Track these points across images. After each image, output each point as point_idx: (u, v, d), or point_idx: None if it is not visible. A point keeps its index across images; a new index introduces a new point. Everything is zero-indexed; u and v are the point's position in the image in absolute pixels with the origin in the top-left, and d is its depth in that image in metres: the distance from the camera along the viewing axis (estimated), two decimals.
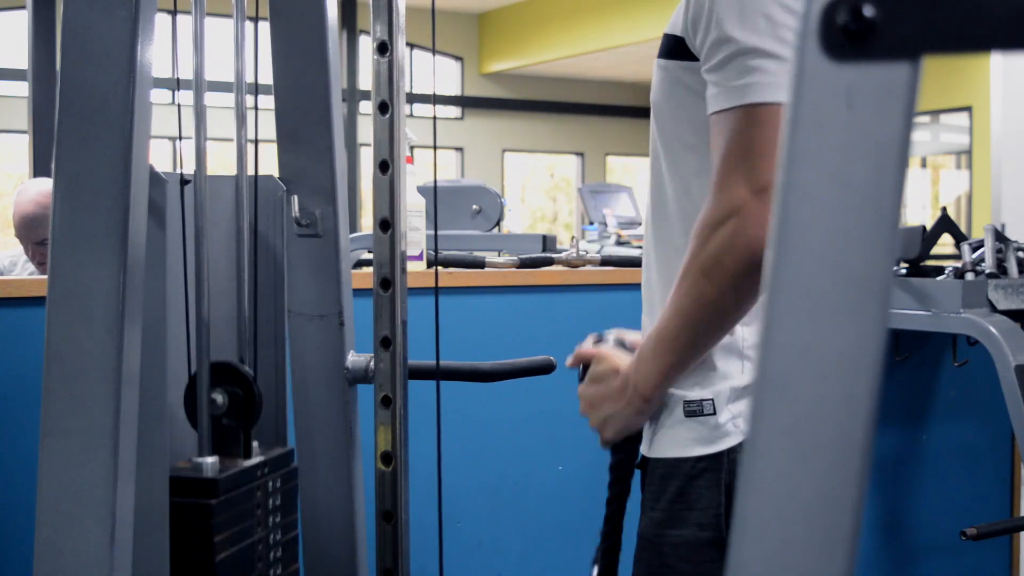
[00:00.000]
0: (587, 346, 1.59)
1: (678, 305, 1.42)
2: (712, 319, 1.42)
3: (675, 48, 1.52)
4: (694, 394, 1.53)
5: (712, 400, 1.52)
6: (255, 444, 1.66)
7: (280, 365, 1.77)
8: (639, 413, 1.52)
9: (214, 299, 1.66)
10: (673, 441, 1.56)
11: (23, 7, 9.92)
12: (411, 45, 14.90)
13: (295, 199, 1.74)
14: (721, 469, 1.52)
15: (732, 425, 1.53)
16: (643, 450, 1.65)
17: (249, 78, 1.71)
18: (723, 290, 1.38)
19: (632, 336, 1.59)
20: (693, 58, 1.49)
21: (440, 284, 1.85)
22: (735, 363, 1.54)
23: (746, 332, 1.54)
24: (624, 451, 1.58)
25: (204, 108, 1.59)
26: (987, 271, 2.81)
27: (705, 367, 1.53)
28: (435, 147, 1.81)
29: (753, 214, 1.34)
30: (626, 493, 1.61)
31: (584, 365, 1.59)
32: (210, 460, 1.55)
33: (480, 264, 3.08)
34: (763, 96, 1.37)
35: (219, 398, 1.63)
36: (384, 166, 1.70)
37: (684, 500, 1.54)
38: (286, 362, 1.79)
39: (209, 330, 1.62)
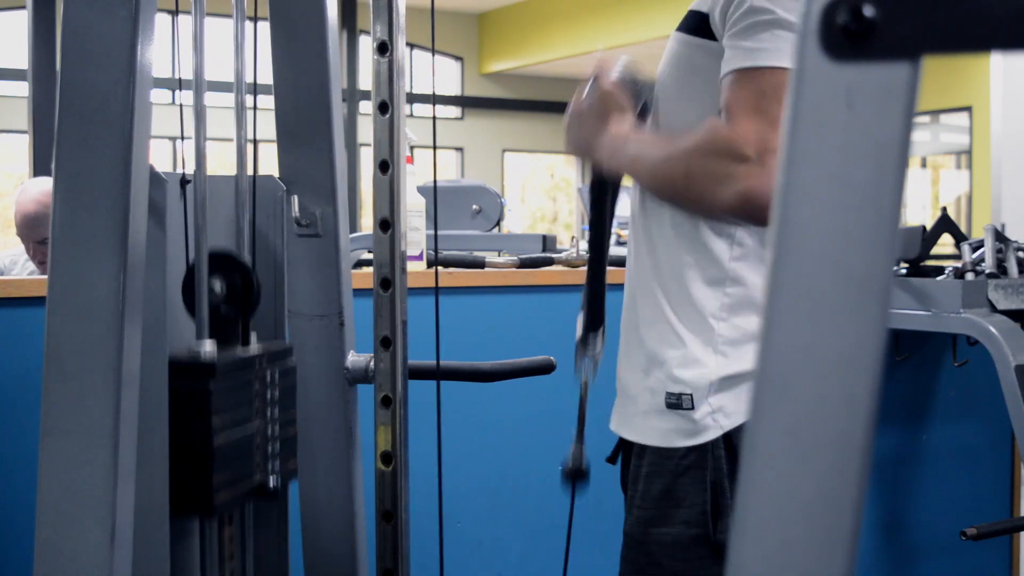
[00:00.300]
0: (610, 76, 1.64)
1: (659, 167, 1.48)
2: (671, 200, 1.53)
3: (697, 25, 1.54)
4: (674, 386, 1.55)
5: (691, 395, 1.54)
6: (254, 336, 1.64)
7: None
8: (596, 160, 1.65)
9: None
10: (656, 430, 1.58)
11: (23, 7, 9.91)
12: (411, 45, 14.89)
13: (295, 199, 1.74)
14: (706, 466, 1.53)
15: (711, 419, 1.54)
16: (619, 429, 1.66)
17: (249, 78, 1.71)
18: (692, 198, 1.45)
19: (642, 72, 1.64)
20: (712, 37, 1.50)
21: (440, 284, 1.86)
22: (711, 356, 1.55)
23: (722, 327, 1.56)
24: (599, 178, 1.69)
25: (204, 108, 1.59)
26: (987, 271, 2.81)
27: (685, 356, 1.55)
28: (435, 147, 1.81)
29: (757, 170, 1.36)
30: (604, 216, 1.73)
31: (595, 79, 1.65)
32: (208, 343, 1.53)
33: (480, 264, 3.08)
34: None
35: (217, 286, 1.60)
36: (384, 166, 1.70)
37: (671, 498, 1.55)
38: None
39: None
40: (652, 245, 1.64)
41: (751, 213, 1.38)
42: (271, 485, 1.60)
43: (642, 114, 1.61)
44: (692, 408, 1.54)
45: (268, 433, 1.61)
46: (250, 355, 1.59)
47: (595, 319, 1.67)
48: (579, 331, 1.68)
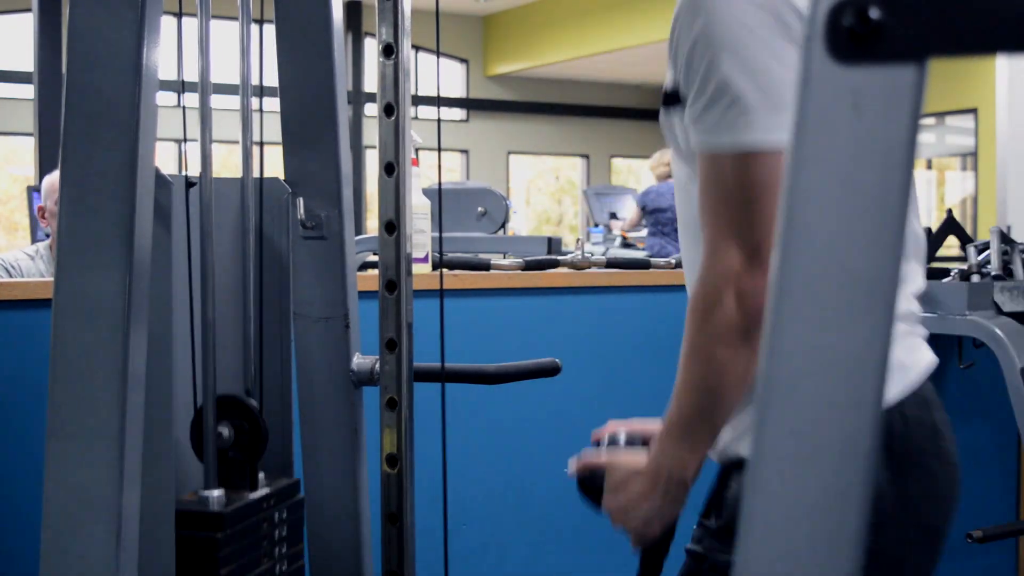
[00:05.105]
0: (590, 456, 1.52)
1: (691, 383, 1.38)
2: (727, 389, 1.37)
3: (674, 100, 1.45)
4: None
5: None
6: (261, 475, 1.66)
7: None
8: (680, 502, 1.45)
9: (220, 302, 1.66)
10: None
11: (29, 10, 9.92)
12: (416, 47, 14.88)
13: (300, 201, 1.74)
14: None
15: None
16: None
17: (255, 80, 1.71)
18: (733, 361, 1.34)
19: (637, 426, 1.53)
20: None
21: (445, 286, 1.86)
22: None
23: None
24: (661, 541, 1.50)
25: (210, 110, 1.59)
26: (993, 273, 2.81)
27: None
28: (439, 149, 1.81)
29: (748, 285, 1.30)
30: None
31: (585, 476, 1.51)
32: (216, 493, 1.55)
33: (485, 266, 3.08)
34: (746, 145, 1.29)
35: (225, 432, 1.63)
36: (389, 168, 1.70)
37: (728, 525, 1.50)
38: (292, 379, 1.78)
39: (215, 332, 1.62)
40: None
41: (757, 315, 1.30)
42: None
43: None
44: None
45: (276, 571, 1.63)
46: (258, 499, 1.61)
47: None
48: None
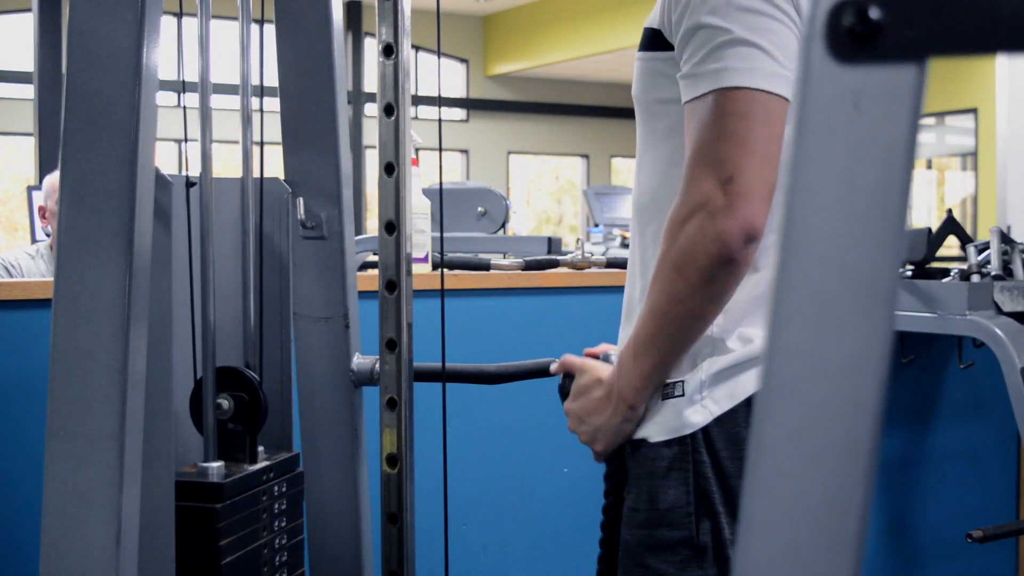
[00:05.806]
0: (571, 358, 1.57)
1: (653, 305, 1.41)
2: (687, 316, 1.40)
3: (653, 40, 1.53)
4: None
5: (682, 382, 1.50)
6: (260, 449, 1.66)
7: (286, 369, 1.77)
8: (626, 421, 1.48)
9: (220, 302, 1.66)
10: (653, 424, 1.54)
11: (29, 10, 9.94)
12: (416, 47, 14.90)
13: (300, 201, 1.74)
14: (688, 469, 1.50)
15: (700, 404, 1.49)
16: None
17: (255, 80, 1.71)
18: (695, 286, 1.36)
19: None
20: (670, 48, 1.49)
21: (445, 286, 1.86)
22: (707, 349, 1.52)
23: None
24: (616, 461, 1.55)
25: (210, 110, 1.59)
26: (993, 273, 2.80)
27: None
28: (440, 149, 1.81)
29: (720, 207, 1.32)
30: (621, 503, 1.57)
31: (566, 376, 1.57)
32: (215, 465, 1.55)
33: (485, 266, 3.08)
34: (734, 81, 1.36)
35: (225, 403, 1.62)
36: (389, 168, 1.70)
37: (654, 504, 1.53)
38: (292, 364, 1.79)
39: (215, 333, 1.62)
40: (647, 246, 1.61)
41: (739, 251, 1.33)
42: None
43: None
44: (683, 395, 1.50)
45: (276, 544, 1.63)
46: (257, 471, 1.61)
47: None
48: None
